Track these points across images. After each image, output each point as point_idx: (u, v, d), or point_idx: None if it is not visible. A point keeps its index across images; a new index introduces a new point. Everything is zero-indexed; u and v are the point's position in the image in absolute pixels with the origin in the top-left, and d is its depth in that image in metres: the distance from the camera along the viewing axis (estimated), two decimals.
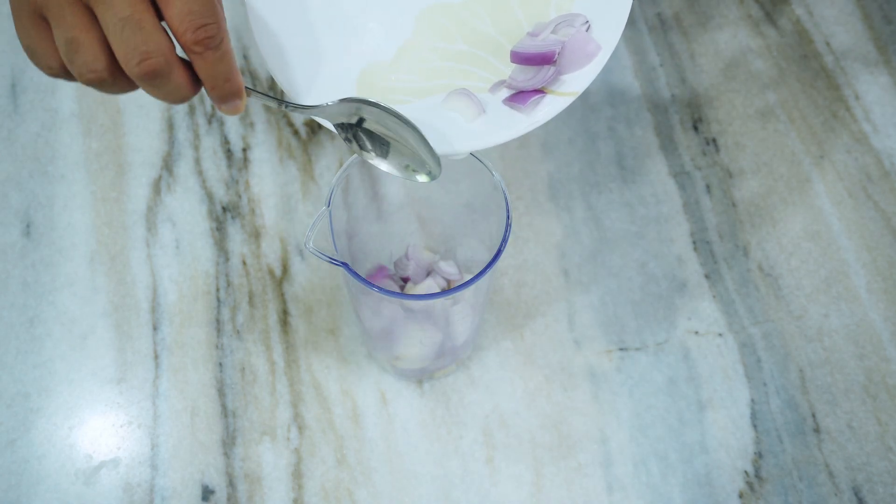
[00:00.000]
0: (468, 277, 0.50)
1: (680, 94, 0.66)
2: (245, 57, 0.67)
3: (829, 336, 0.58)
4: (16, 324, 0.57)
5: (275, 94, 0.39)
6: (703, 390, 0.56)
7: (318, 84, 0.42)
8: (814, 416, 0.55)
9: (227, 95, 0.35)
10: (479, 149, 0.41)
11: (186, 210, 0.61)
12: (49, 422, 0.54)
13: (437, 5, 0.43)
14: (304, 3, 0.43)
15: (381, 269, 0.54)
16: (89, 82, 0.33)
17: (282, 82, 0.41)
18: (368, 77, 0.42)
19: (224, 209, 0.61)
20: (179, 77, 0.33)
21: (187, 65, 0.34)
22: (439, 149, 0.40)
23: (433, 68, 0.43)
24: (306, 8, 0.43)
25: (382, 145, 0.40)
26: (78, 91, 0.66)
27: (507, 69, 0.42)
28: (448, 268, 0.53)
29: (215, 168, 0.63)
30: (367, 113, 0.39)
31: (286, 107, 0.39)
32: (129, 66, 0.32)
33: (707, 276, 0.59)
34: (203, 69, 0.34)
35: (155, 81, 0.33)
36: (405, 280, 0.54)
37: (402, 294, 0.51)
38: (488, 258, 0.45)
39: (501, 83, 0.41)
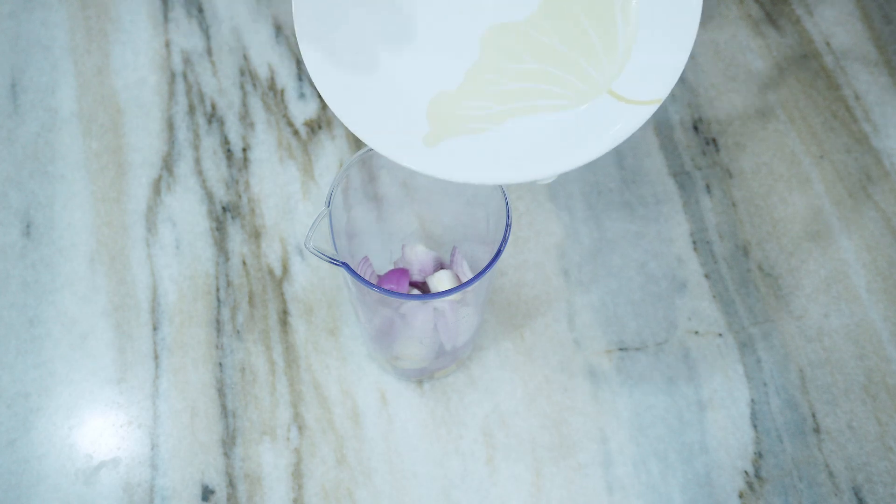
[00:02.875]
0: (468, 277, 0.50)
1: (680, 94, 0.66)
2: (245, 57, 0.67)
3: (829, 336, 0.58)
4: (16, 324, 0.57)
5: None
6: (703, 390, 0.56)
7: (385, 120, 0.40)
8: (814, 416, 0.55)
9: None
10: (567, 169, 0.39)
11: (186, 210, 0.61)
12: (49, 422, 0.54)
13: (501, 26, 0.41)
14: (359, 36, 0.41)
15: (400, 272, 0.53)
16: None
17: (345, 119, 0.40)
18: (438, 107, 0.41)
19: (224, 209, 0.61)
20: None
21: None
22: (526, 175, 0.39)
23: (504, 91, 0.41)
24: (363, 41, 0.41)
25: None
26: (78, 91, 0.66)
27: (580, 83, 0.40)
28: (462, 267, 0.53)
29: (215, 168, 0.63)
30: None
31: None
32: None
33: (707, 276, 0.59)
34: None
35: None
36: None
37: (403, 294, 0.51)
38: (488, 258, 0.45)
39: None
